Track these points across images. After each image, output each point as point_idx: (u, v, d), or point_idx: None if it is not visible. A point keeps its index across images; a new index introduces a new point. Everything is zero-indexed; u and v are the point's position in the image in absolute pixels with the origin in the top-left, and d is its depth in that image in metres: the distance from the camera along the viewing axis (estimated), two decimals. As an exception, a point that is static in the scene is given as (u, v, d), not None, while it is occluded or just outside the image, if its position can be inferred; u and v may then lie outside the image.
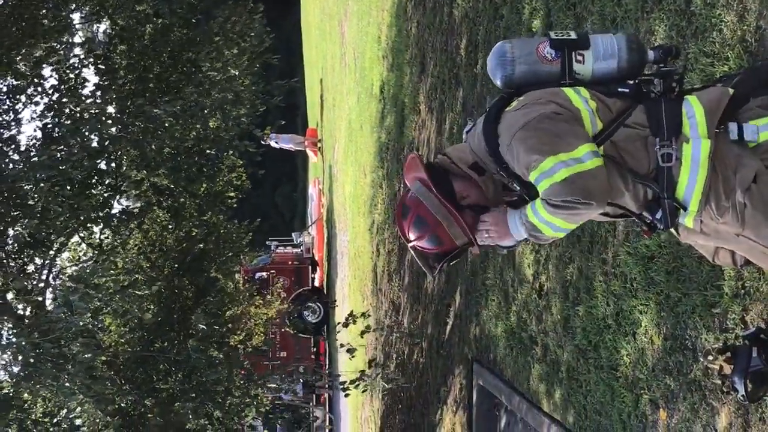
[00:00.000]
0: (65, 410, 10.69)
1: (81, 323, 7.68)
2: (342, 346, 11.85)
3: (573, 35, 3.12)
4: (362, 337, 12.47)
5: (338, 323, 12.54)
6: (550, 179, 2.87)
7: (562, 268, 6.07)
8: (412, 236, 3.15)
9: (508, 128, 2.98)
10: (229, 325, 11.92)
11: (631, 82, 3.11)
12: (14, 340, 7.91)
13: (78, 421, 11.15)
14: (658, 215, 3.03)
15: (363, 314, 12.72)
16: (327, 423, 25.94)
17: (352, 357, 12.18)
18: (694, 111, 2.99)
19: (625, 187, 2.98)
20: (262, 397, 11.59)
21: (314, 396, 24.09)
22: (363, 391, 12.69)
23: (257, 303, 15.74)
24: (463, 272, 8.94)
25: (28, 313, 9.53)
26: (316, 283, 27.53)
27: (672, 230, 3.10)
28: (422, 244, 3.16)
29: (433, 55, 10.39)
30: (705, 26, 3.91)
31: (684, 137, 2.96)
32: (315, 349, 24.84)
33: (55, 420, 10.29)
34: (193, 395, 9.93)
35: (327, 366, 25.50)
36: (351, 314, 11.95)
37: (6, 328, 9.15)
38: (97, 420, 11.17)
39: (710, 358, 3.45)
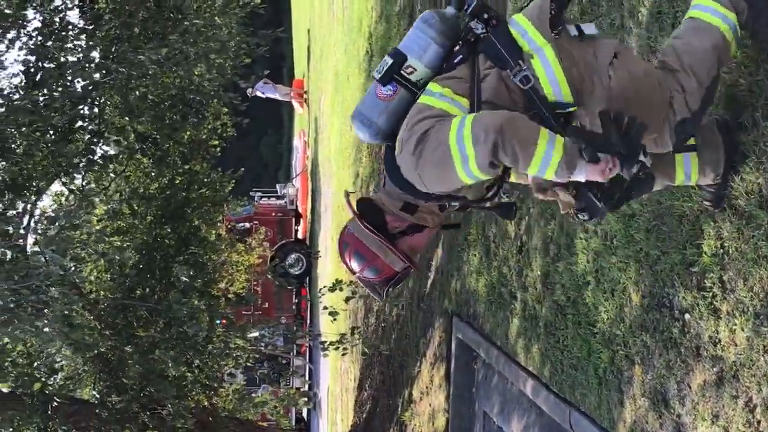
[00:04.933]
0: (44, 354, 10.72)
1: (61, 272, 7.65)
2: (325, 308, 11.91)
3: (389, 60, 3.23)
4: (346, 303, 12.56)
5: (323, 286, 12.58)
6: (468, 152, 2.91)
7: (543, 225, 6.09)
8: (355, 268, 3.31)
9: (406, 160, 3.06)
10: (211, 275, 11.92)
11: (457, 48, 3.21)
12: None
13: (57, 365, 11.19)
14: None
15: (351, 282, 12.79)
16: (307, 373, 26.12)
17: (334, 320, 12.27)
18: (524, 27, 3.13)
19: None
20: (243, 347, 11.65)
21: (294, 346, 24.20)
22: (343, 354, 12.80)
23: (239, 250, 15.74)
24: (445, 227, 8.95)
25: (9, 257, 9.49)
26: (300, 235, 27.53)
27: None
28: (365, 275, 3.32)
29: (422, 7, 10.30)
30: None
31: (528, 55, 3.09)
32: (297, 301, 24.94)
33: (34, 364, 10.31)
34: (174, 344, 9.96)
35: (308, 319, 25.63)
36: (338, 281, 12.00)
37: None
38: (76, 365, 11.22)
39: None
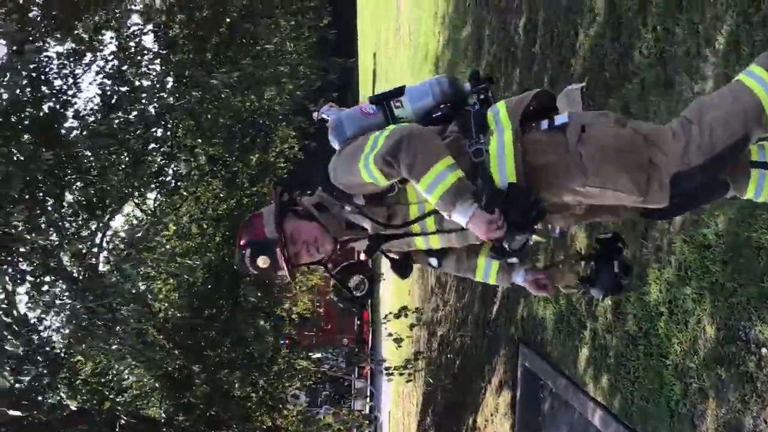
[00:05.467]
0: (114, 371, 10.93)
1: (133, 290, 7.82)
2: (390, 335, 11.94)
3: (389, 88, 3.47)
4: (411, 330, 12.57)
5: (389, 312, 12.61)
6: (377, 147, 3.11)
7: (614, 253, 6.02)
8: (243, 238, 3.43)
9: (331, 165, 3.34)
10: (276, 296, 12.03)
11: (442, 106, 3.39)
12: (68, 302, 8.08)
13: (125, 383, 11.38)
14: None
15: (416, 309, 12.82)
16: (368, 395, 26.09)
17: (399, 347, 12.28)
18: (498, 109, 3.22)
19: None
20: (306, 368, 11.72)
21: (356, 368, 24.22)
22: (407, 381, 12.79)
23: (303, 270, 15.83)
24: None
25: (81, 276, 9.71)
26: (362, 257, 27.57)
27: None
28: (244, 237, 3.43)
29: (491, 33, 10.31)
30: None
31: (490, 132, 3.18)
32: (359, 323, 24.97)
33: (103, 380, 10.50)
34: (240, 364, 10.06)
35: (370, 342, 25.63)
36: (404, 308, 12.03)
37: (60, 290, 9.34)
38: (145, 382, 11.40)
39: (572, 263, 3.52)
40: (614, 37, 6.06)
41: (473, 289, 10.81)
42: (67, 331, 9.24)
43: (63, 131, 8.90)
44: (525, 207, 3.05)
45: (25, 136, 8.43)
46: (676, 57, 5.09)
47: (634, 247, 5.65)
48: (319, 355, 13.60)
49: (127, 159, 9.37)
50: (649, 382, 5.38)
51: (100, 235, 10.06)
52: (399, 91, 3.42)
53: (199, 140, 10.30)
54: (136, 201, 10.33)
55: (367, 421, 17.59)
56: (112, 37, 10.25)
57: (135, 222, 11.07)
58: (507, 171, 3.08)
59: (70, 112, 9.34)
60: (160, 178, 9.95)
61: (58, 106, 9.02)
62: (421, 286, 14.78)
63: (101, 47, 10.13)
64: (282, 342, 11.54)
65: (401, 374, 11.72)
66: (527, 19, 8.62)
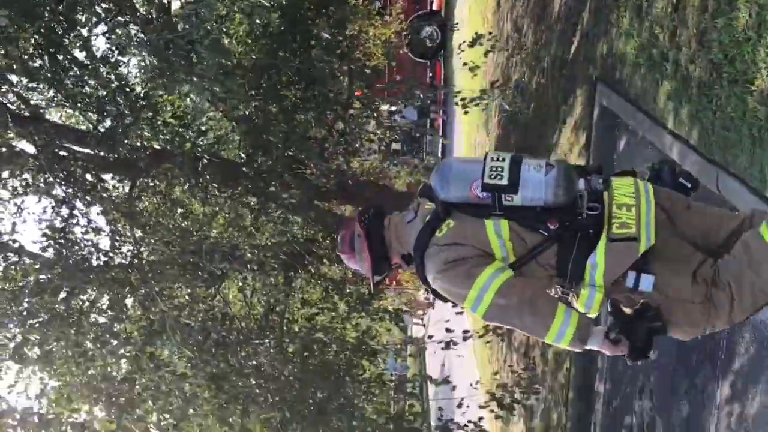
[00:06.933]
0: (193, 115, 11.17)
1: (208, 27, 7.79)
2: (465, 64, 11.82)
3: (504, 180, 3.42)
4: (485, 57, 12.40)
5: (463, 41, 12.41)
6: (482, 305, 3.36)
7: (704, -21, 5.77)
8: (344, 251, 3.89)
9: (432, 266, 3.50)
10: (350, 40, 11.89)
11: (552, 227, 3.40)
12: (148, 36, 8.12)
13: (205, 127, 11.66)
14: None
15: (490, 34, 12.58)
16: (440, 150, 26.33)
17: (474, 75, 12.16)
18: (597, 266, 3.32)
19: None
20: (380, 106, 11.83)
21: (428, 121, 24.30)
22: (483, 110, 12.76)
23: (376, 23, 15.60)
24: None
25: (155, 18, 9.70)
26: (435, 6, 26.91)
27: None
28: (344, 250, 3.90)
29: None
30: None
31: (584, 283, 3.37)
32: (431, 75, 24.78)
33: (183, 123, 10.74)
34: (316, 104, 10.14)
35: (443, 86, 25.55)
36: (478, 34, 11.79)
37: (135, 31, 9.38)
38: (223, 127, 11.66)
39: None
40: None
41: (551, 30, 10.55)
42: (146, 65, 9.25)
43: None
44: (647, 334, 3.35)
45: None
46: None
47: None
48: (393, 108, 13.64)
49: None
50: (732, 110, 5.30)
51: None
52: (513, 189, 3.41)
53: None
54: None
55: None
56: None
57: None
58: (590, 313, 3.41)
59: None
60: None
61: None
62: (496, 30, 14.43)
63: None
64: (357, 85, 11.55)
65: (477, 104, 11.72)
66: None
